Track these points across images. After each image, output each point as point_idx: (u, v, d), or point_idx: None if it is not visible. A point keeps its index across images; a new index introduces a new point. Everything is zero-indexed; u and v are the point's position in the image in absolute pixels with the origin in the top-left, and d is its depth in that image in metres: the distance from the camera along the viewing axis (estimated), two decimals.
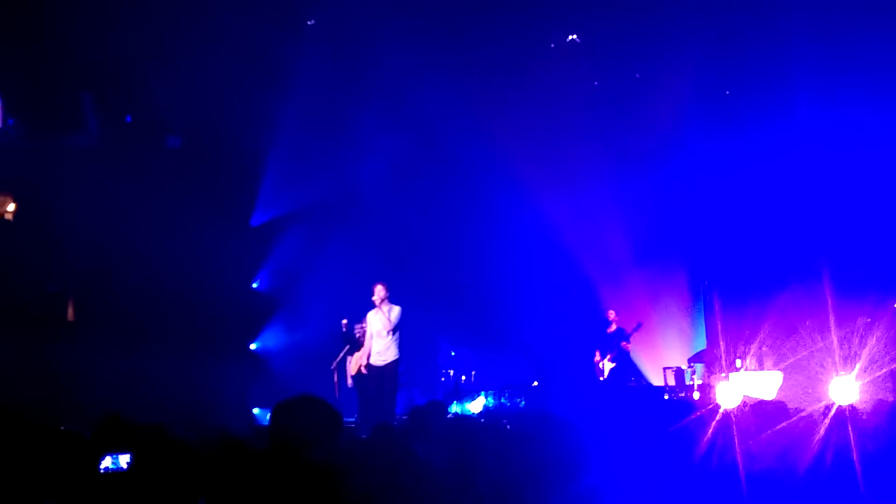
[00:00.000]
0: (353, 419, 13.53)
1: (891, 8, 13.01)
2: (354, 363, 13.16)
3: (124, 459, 4.35)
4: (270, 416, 3.60)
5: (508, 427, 5.83)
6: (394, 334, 12.12)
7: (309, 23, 15.28)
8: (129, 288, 14.33)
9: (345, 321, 13.44)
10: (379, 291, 12.07)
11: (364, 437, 7.59)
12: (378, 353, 12.21)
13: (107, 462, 4.35)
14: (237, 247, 15.62)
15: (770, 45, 14.12)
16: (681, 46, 14.93)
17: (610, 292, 16.07)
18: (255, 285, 16.77)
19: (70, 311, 14.99)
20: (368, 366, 12.37)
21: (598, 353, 14.58)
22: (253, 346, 16.58)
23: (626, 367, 14.70)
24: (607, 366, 14.45)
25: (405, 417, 10.42)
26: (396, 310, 12.13)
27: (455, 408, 14.82)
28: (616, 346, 14.42)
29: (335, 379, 13.82)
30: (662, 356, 15.96)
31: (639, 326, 14.68)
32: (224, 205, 15.51)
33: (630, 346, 14.59)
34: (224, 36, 13.80)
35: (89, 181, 14.03)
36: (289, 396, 3.68)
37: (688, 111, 15.29)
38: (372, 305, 12.21)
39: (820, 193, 14.03)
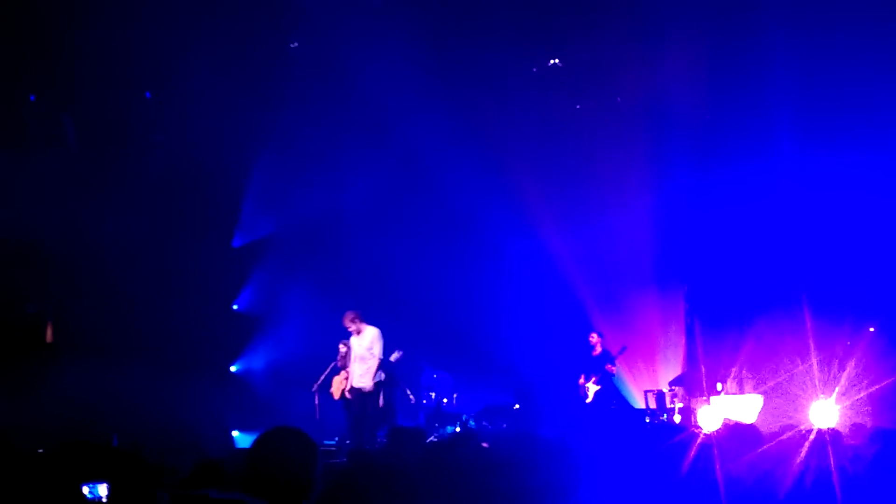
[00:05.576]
0: (333, 442, 13.48)
1: (872, 53, 13.36)
2: (337, 386, 13.13)
3: (102, 489, 4.31)
4: (251, 448, 3.61)
5: (486, 445, 5.83)
6: (374, 357, 12.10)
7: (292, 45, 15.29)
8: (108, 309, 14.26)
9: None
10: (347, 322, 12.10)
11: (341, 461, 7.57)
12: (360, 375, 12.20)
13: (84, 492, 4.29)
14: (218, 268, 15.57)
15: (753, 83, 14.42)
16: (663, 73, 15.06)
17: (595, 316, 16.09)
18: (235, 307, 16.70)
19: (48, 333, 14.88)
20: (352, 389, 12.34)
21: (582, 377, 14.57)
22: (233, 368, 16.50)
23: (610, 391, 14.69)
24: (592, 388, 14.43)
25: (384, 440, 10.39)
26: (371, 334, 12.11)
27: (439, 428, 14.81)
28: (601, 368, 14.42)
29: (316, 401, 13.76)
30: (651, 380, 15.98)
31: (623, 350, 14.68)
32: (205, 225, 15.48)
33: (615, 369, 14.58)
34: (207, 57, 13.80)
35: (69, 200, 13.97)
36: (270, 427, 3.67)
37: (670, 139, 15.41)
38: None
39: (800, 223, 14.24)
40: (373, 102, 15.37)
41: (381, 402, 12.70)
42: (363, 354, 12.13)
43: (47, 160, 14.52)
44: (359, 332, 12.13)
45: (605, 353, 14.55)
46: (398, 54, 14.22)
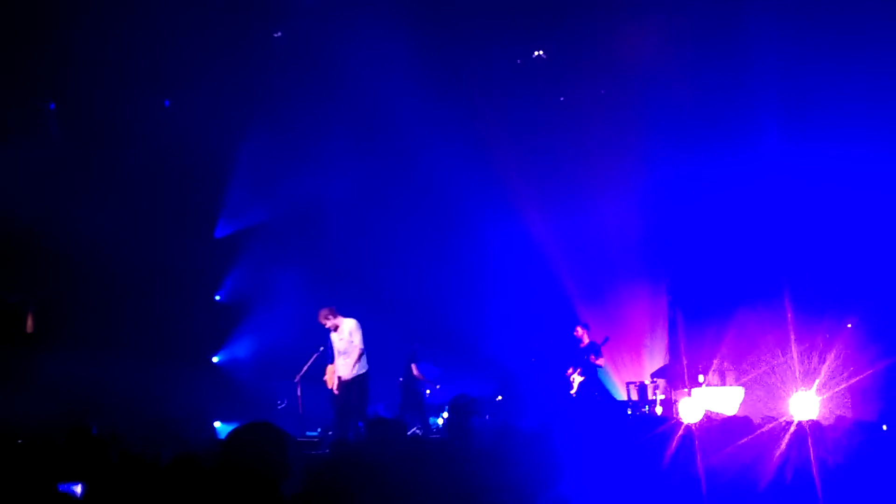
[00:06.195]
0: (315, 433, 13.43)
1: (856, 45, 13.43)
2: (331, 374, 12.99)
3: (77, 490, 4.32)
4: (223, 443, 3.71)
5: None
6: (356, 346, 12.06)
7: (276, 35, 15.19)
8: (90, 299, 14.19)
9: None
10: (322, 319, 12.05)
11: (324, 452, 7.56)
12: (345, 366, 12.19)
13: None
14: (201, 258, 15.50)
15: (736, 75, 14.47)
16: (647, 64, 15.07)
17: (578, 308, 16.13)
18: (218, 297, 16.64)
19: (29, 323, 14.80)
20: (340, 382, 12.32)
21: (570, 368, 14.62)
22: (215, 359, 16.44)
23: (594, 382, 14.73)
24: (576, 380, 14.48)
25: (363, 431, 10.39)
26: (348, 325, 12.06)
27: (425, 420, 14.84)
28: (585, 360, 14.46)
29: (299, 392, 13.70)
30: (634, 372, 16.04)
31: (606, 340, 14.71)
32: (188, 216, 15.40)
33: (602, 361, 14.62)
34: (189, 47, 13.70)
35: (51, 191, 13.87)
36: (251, 419, 3.79)
37: (654, 131, 15.43)
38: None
39: (781, 217, 14.35)
40: (358, 92, 15.31)
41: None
42: (345, 348, 12.09)
43: (29, 151, 14.39)
44: (336, 328, 12.10)
45: (591, 344, 14.60)
46: (383, 44, 14.16)
